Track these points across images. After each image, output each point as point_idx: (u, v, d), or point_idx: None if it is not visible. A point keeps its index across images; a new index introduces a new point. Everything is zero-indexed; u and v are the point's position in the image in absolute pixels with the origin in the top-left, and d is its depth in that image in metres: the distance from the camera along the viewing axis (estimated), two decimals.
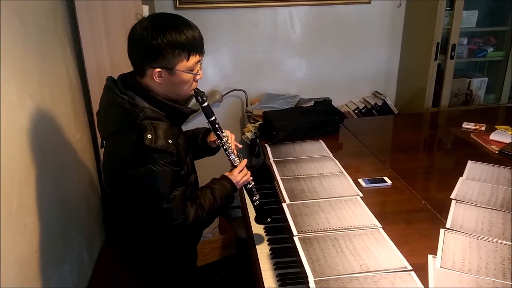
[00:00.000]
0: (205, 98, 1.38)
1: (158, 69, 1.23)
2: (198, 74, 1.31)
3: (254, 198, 1.53)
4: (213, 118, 1.41)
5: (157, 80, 1.26)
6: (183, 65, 1.25)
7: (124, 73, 1.36)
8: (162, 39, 1.19)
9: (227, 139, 1.47)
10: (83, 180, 2.05)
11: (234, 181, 1.45)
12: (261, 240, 1.63)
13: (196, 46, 1.26)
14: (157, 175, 1.22)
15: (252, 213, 1.75)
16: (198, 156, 1.62)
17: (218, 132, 1.43)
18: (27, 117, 1.46)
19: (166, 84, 1.28)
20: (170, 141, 1.24)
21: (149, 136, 1.20)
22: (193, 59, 1.26)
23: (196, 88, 1.36)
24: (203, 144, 1.60)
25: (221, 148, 1.48)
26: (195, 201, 1.36)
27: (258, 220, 1.56)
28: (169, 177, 1.25)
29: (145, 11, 2.02)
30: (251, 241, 1.64)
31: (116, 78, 1.35)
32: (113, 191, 1.40)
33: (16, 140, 1.35)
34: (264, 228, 1.70)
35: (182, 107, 1.35)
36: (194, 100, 1.41)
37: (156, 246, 1.48)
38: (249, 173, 1.51)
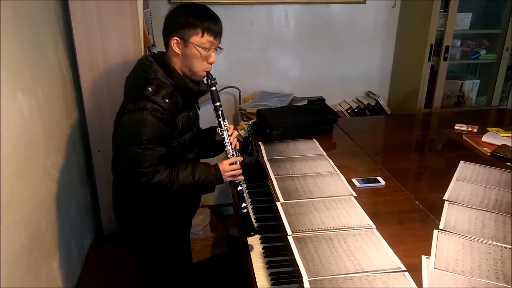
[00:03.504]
0: (214, 82, 1.53)
1: (176, 38, 1.45)
2: (209, 49, 1.47)
3: (243, 204, 1.53)
4: (219, 104, 1.55)
5: (175, 49, 1.46)
6: (197, 39, 1.44)
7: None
8: (185, 16, 1.44)
9: (228, 129, 1.57)
10: (73, 176, 2.02)
11: (221, 169, 1.53)
12: (253, 239, 1.62)
13: (211, 29, 1.46)
14: (144, 122, 1.38)
15: None
16: (205, 154, 1.74)
17: (219, 119, 1.55)
18: (18, 111, 1.43)
19: (181, 56, 1.48)
20: (166, 100, 1.41)
21: (150, 89, 1.40)
22: (207, 37, 1.45)
23: (208, 72, 1.52)
24: (209, 137, 1.72)
25: (220, 137, 1.58)
26: (174, 168, 1.47)
27: (242, 231, 1.53)
28: (154, 128, 1.39)
29: (139, 5, 1.99)
30: (243, 240, 1.62)
31: None
32: (114, 147, 1.57)
33: (5, 134, 1.32)
34: (256, 227, 1.69)
35: (189, 83, 1.51)
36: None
37: (151, 212, 1.59)
38: (240, 170, 1.56)
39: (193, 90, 1.52)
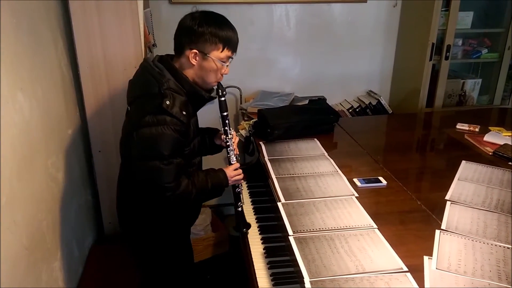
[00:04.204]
0: (225, 93, 1.55)
1: (195, 51, 1.43)
2: (227, 66, 1.50)
3: (239, 203, 1.66)
4: (226, 113, 1.57)
5: (191, 61, 1.45)
6: (216, 54, 1.45)
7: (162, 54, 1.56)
8: (206, 28, 1.42)
9: (232, 137, 1.61)
10: (74, 177, 2.02)
11: (227, 175, 1.59)
12: (254, 239, 1.62)
13: (231, 44, 1.47)
14: (164, 136, 1.37)
15: (246, 212, 1.74)
16: (202, 152, 1.74)
17: (226, 127, 1.59)
18: (18, 111, 1.43)
19: (197, 67, 1.47)
20: (184, 113, 1.41)
21: (168, 102, 1.38)
22: (226, 52, 1.47)
23: (219, 82, 1.53)
24: (209, 140, 1.75)
25: (224, 144, 1.62)
26: (189, 177, 1.49)
27: (236, 227, 1.67)
28: (174, 142, 1.40)
29: (139, 5, 1.99)
30: (244, 240, 1.62)
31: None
32: (124, 154, 1.56)
33: (6, 135, 1.31)
34: (257, 227, 1.69)
35: (201, 90, 1.50)
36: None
37: (156, 218, 1.59)
38: (242, 175, 1.64)
39: (205, 97, 1.53)
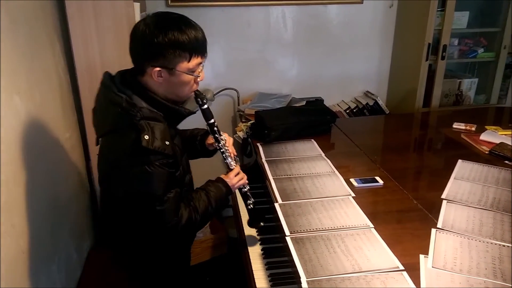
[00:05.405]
0: (205, 101, 1.37)
1: (158, 68, 1.21)
2: (199, 76, 1.29)
3: (248, 201, 1.52)
4: (212, 121, 1.41)
5: (156, 80, 1.24)
6: (184, 65, 1.23)
7: (123, 69, 1.33)
8: (163, 38, 1.17)
9: (225, 142, 1.46)
10: (72, 180, 2.02)
11: (229, 184, 1.45)
12: (252, 240, 1.62)
13: (198, 48, 1.24)
14: (152, 176, 1.21)
15: (244, 213, 1.74)
16: (194, 157, 1.62)
17: (216, 135, 1.43)
18: (15, 116, 1.43)
19: (166, 84, 1.26)
20: (167, 143, 1.23)
21: (146, 137, 1.18)
22: (195, 60, 1.25)
23: (197, 90, 1.34)
24: (200, 147, 1.60)
25: (219, 151, 1.48)
26: (189, 203, 1.36)
27: (250, 224, 1.56)
28: (164, 178, 1.24)
29: (136, 9, 2.00)
30: (242, 241, 1.62)
31: (113, 74, 1.31)
32: (106, 190, 1.40)
33: (3, 139, 1.32)
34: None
35: (180, 109, 1.33)
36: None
37: (149, 246, 1.47)
38: (245, 176, 1.51)
39: (184, 114, 1.35)
